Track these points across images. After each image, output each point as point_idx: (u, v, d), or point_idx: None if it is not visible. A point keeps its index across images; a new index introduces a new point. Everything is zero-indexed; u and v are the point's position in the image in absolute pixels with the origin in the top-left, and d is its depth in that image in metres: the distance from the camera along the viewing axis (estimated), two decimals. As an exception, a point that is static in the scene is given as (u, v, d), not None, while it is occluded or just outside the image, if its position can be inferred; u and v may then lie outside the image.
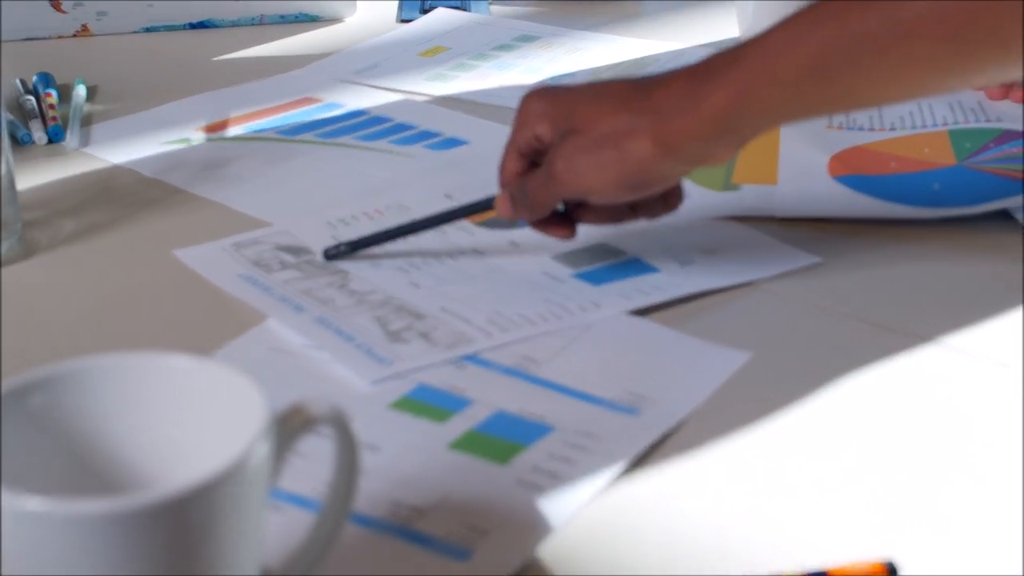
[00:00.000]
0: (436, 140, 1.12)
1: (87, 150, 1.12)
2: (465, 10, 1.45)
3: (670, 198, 0.87)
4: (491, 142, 1.11)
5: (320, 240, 0.94)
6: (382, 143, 1.12)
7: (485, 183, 1.02)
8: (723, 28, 1.37)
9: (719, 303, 0.88)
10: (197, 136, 1.14)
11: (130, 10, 1.39)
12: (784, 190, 0.98)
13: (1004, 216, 0.96)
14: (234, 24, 1.41)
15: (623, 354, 0.81)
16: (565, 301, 0.86)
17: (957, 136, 1.07)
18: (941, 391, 0.78)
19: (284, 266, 0.91)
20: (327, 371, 0.80)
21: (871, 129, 1.09)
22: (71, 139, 1.13)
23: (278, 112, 1.18)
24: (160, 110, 1.20)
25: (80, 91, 1.21)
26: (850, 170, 1.00)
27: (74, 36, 1.38)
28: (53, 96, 1.18)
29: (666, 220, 0.91)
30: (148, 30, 1.40)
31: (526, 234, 0.95)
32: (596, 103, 0.83)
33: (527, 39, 1.36)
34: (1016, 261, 0.91)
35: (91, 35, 1.39)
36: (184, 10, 1.40)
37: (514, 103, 1.20)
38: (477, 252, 0.93)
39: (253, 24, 1.41)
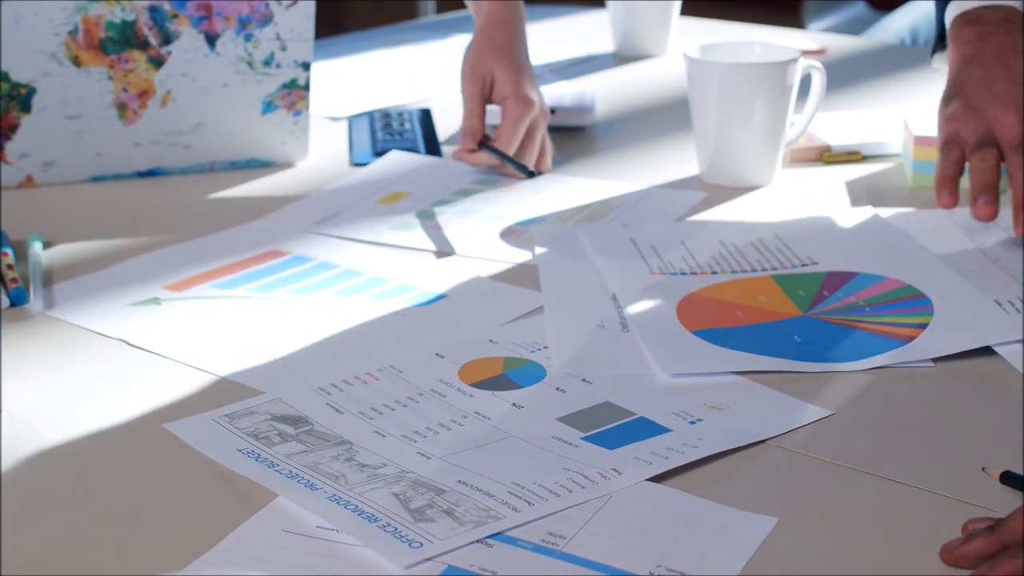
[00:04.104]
0: (414, 295, 1.10)
1: (53, 314, 1.08)
2: (418, 151, 1.43)
3: None
4: (468, 295, 1.09)
5: (315, 409, 0.92)
6: (361, 297, 1.09)
7: (474, 342, 1.01)
8: (682, 166, 1.37)
9: (734, 463, 0.86)
10: (166, 295, 1.10)
11: (77, 159, 1.35)
12: (659, 355, 0.98)
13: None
14: (183, 171, 1.38)
15: (651, 525, 0.79)
16: (583, 468, 0.84)
17: (784, 283, 1.08)
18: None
19: (284, 438, 0.88)
20: (348, 554, 0.77)
21: (692, 273, 1.11)
22: (35, 302, 1.08)
23: (246, 267, 1.15)
24: (123, 266, 1.16)
25: (37, 249, 1.17)
26: (704, 324, 1.02)
27: (18, 187, 1.34)
28: (10, 256, 1.14)
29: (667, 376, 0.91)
30: (96, 179, 1.36)
31: (526, 395, 0.94)
32: None
33: (486, 182, 1.34)
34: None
35: (36, 186, 1.34)
36: (132, 158, 1.36)
37: (487, 254, 1.19)
38: (480, 415, 0.91)
39: (203, 171, 1.38)
